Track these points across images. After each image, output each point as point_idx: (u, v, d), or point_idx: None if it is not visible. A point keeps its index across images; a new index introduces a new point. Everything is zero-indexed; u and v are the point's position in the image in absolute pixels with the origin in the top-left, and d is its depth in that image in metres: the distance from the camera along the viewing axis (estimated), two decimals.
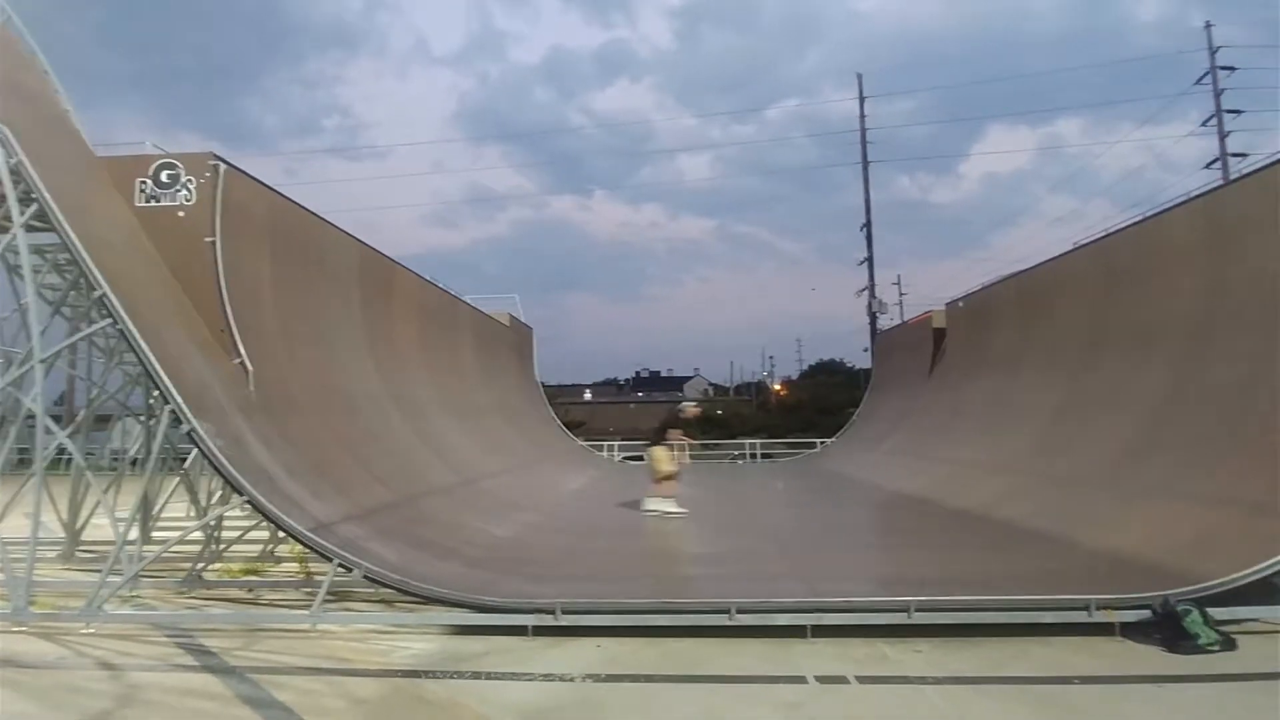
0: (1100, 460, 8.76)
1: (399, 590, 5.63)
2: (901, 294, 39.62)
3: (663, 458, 10.60)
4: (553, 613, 5.33)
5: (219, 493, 8.86)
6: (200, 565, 7.24)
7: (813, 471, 18.71)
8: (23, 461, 7.86)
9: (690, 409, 11.69)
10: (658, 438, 10.76)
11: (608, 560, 7.89)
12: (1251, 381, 7.16)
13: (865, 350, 32.66)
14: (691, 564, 7.91)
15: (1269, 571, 5.17)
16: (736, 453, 26.12)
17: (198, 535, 7.40)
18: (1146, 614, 5.03)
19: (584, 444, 23.36)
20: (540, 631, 5.28)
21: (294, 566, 7.60)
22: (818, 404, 39.66)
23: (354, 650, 5.16)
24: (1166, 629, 4.89)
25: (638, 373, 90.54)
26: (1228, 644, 4.77)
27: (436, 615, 5.57)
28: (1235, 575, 5.16)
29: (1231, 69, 28.35)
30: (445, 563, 6.69)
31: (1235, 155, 27.67)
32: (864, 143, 32.87)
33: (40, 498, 6.09)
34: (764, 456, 24.98)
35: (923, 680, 4.40)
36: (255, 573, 7.56)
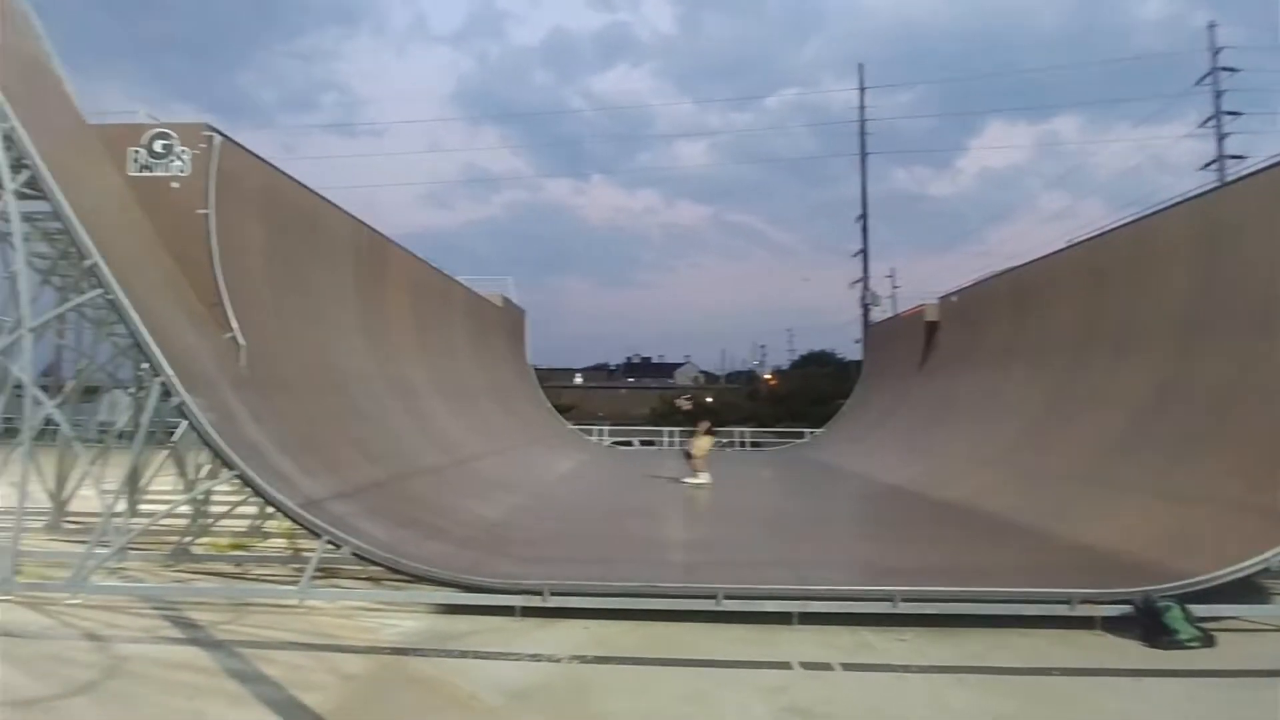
0: (1086, 456, 8.83)
1: (387, 568, 5.64)
2: (895, 287, 39.50)
3: (702, 444, 12.80)
4: (540, 594, 5.35)
5: (208, 467, 8.78)
6: (187, 539, 7.22)
7: (802, 461, 18.81)
8: (9, 431, 7.80)
9: (683, 403, 13.51)
10: (697, 427, 13.07)
11: (596, 544, 7.93)
12: (1239, 381, 7.23)
13: (856, 342, 32.81)
14: (680, 549, 7.93)
15: (1250, 570, 5.25)
16: (726, 440, 26.21)
17: (185, 509, 7.39)
18: (1128, 609, 5.09)
19: (574, 428, 23.40)
20: (528, 612, 5.30)
21: (282, 542, 7.60)
22: (808, 394, 39.64)
23: (341, 627, 5.17)
24: (1147, 624, 4.96)
25: (629, 358, 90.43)
26: (1207, 641, 4.83)
27: (424, 594, 5.58)
28: (1217, 573, 5.23)
29: (1233, 70, 28.30)
30: (434, 542, 6.70)
31: (1233, 157, 27.63)
32: (863, 134, 32.64)
33: (27, 468, 6.05)
34: (753, 445, 25.09)
35: (906, 669, 4.45)
36: (243, 548, 7.55)
